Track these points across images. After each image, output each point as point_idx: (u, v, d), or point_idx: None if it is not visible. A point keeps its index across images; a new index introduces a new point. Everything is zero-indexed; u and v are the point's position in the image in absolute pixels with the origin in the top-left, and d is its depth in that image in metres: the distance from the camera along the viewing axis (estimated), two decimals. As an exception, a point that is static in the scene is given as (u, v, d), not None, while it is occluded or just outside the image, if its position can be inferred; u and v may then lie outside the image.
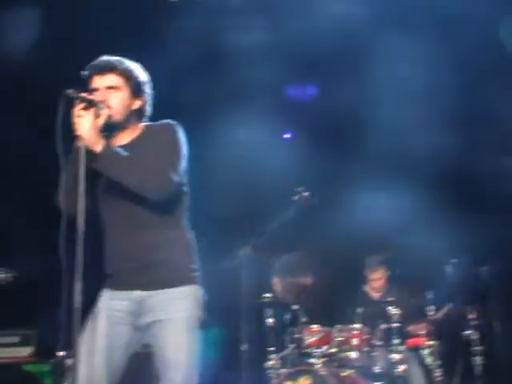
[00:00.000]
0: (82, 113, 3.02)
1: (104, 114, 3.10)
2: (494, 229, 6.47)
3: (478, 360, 6.02)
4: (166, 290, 3.23)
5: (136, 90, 3.26)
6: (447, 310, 6.22)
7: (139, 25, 6.61)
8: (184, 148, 3.26)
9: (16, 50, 6.33)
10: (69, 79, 3.15)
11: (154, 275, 3.22)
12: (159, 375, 3.26)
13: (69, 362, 3.00)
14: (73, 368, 2.94)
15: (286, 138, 8.45)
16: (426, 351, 6.01)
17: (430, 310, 6.06)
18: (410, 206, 7.24)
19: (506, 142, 6.97)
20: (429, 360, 5.97)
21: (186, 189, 3.34)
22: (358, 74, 7.08)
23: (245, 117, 7.19)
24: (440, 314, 6.12)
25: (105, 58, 3.27)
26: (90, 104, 3.06)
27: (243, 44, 6.77)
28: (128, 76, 3.24)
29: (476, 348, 6.06)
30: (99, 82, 3.20)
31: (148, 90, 3.35)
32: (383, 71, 6.77)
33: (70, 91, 3.00)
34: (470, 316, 6.08)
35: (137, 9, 6.68)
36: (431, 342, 6.01)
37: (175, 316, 3.20)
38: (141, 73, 3.32)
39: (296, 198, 5.95)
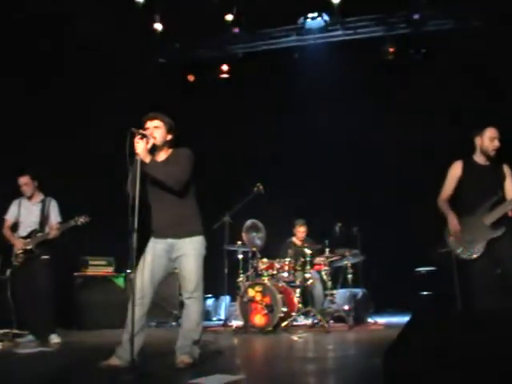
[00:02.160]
0: (139, 141, 3.07)
1: (151, 142, 3.13)
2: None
3: (349, 276, 6.12)
4: (185, 239, 3.20)
5: (169, 129, 3.26)
6: (335, 251, 6.05)
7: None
8: (192, 161, 3.24)
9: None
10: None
11: (178, 230, 3.19)
12: (181, 285, 3.28)
13: (131, 275, 3.07)
14: (133, 278, 3.04)
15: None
16: (323, 272, 5.98)
17: (326, 251, 5.99)
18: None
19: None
20: (325, 277, 5.96)
21: (193, 182, 3.29)
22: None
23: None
24: (327, 253, 5.99)
25: (153, 112, 3.29)
26: (144, 136, 3.10)
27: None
28: (165, 121, 3.25)
29: (349, 270, 6.14)
30: (150, 123, 3.22)
31: (174, 130, 3.30)
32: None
33: (133, 129, 3.03)
34: (346, 253, 6.10)
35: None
36: (326, 268, 5.97)
37: (191, 252, 3.19)
38: (171, 121, 3.30)
39: (255, 188, 6.05)
